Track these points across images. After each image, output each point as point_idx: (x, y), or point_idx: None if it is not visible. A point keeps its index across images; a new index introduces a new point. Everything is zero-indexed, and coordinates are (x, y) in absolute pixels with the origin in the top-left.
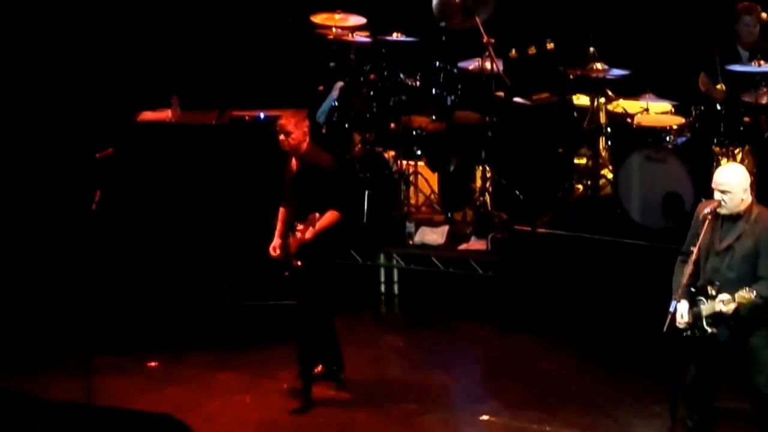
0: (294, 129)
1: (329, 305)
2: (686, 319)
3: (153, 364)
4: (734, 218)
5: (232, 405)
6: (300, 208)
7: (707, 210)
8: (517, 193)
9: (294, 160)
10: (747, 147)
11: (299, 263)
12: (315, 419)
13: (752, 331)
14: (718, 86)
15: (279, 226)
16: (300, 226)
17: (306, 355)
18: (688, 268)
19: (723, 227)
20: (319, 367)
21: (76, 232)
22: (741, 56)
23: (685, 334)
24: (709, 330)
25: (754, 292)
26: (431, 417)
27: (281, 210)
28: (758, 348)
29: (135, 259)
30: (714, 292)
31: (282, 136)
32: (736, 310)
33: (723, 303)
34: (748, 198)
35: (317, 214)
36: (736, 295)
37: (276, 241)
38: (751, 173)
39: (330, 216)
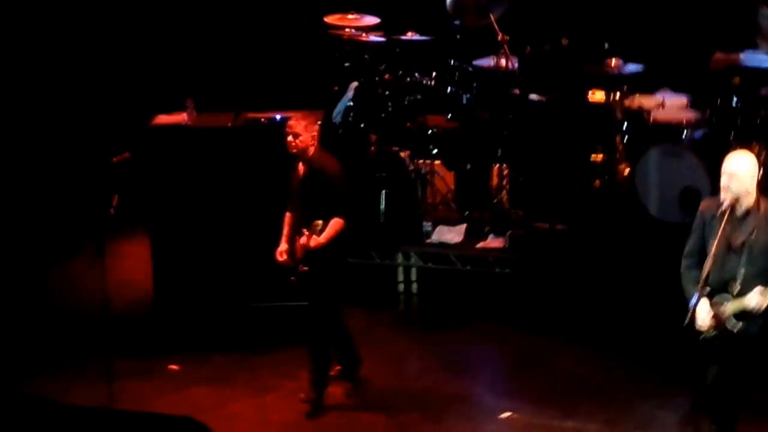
0: (303, 131)
1: (339, 309)
2: (708, 317)
3: (174, 366)
4: (745, 214)
5: (253, 406)
6: (306, 212)
7: (723, 206)
8: (534, 190)
9: (301, 165)
10: (763, 141)
11: (305, 268)
12: (336, 419)
13: None
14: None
15: (285, 230)
16: (306, 232)
17: (316, 360)
18: (709, 263)
19: (735, 224)
20: (335, 368)
21: (94, 234)
22: (760, 48)
23: (703, 336)
24: (737, 328)
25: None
26: (452, 416)
27: (287, 214)
28: None
29: (158, 261)
30: (737, 290)
31: (290, 138)
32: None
33: (760, 293)
34: (754, 190)
35: (321, 222)
36: (758, 290)
37: (282, 245)
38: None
39: (335, 224)
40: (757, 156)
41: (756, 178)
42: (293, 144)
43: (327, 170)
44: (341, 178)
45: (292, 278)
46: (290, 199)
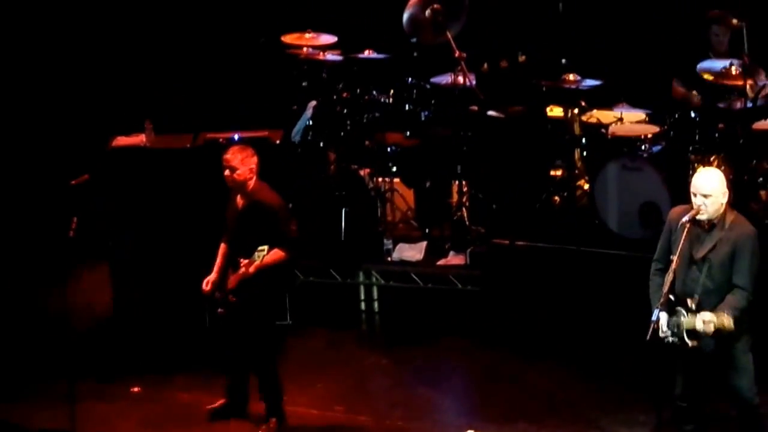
0: (240, 165)
1: (272, 338)
2: (666, 330)
3: (136, 389)
4: (710, 226)
5: (216, 428)
6: (244, 245)
7: (686, 218)
8: (494, 206)
9: (239, 197)
10: (722, 154)
11: (233, 299)
12: None
13: (732, 337)
14: (693, 92)
15: (219, 260)
16: (244, 261)
17: (268, 388)
18: (669, 276)
19: (699, 236)
20: (219, 402)
21: (54, 257)
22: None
23: (666, 341)
24: (690, 344)
25: (732, 321)
26: None
27: (222, 245)
28: (740, 353)
29: (117, 283)
30: (693, 306)
31: (227, 172)
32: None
33: (704, 323)
34: (724, 204)
35: (266, 247)
36: (716, 320)
37: (212, 276)
38: (726, 180)
39: (276, 254)
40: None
41: (726, 194)
42: (231, 178)
43: (268, 203)
44: (284, 211)
45: (219, 310)
46: (225, 231)
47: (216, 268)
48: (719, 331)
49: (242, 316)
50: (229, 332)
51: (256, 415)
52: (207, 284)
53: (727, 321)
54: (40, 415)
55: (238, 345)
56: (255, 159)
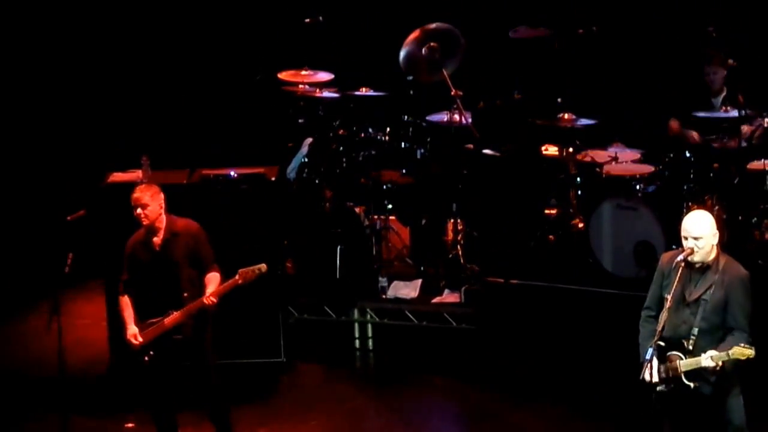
0: (150, 201)
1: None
2: (660, 372)
3: (130, 425)
4: (703, 269)
5: None
6: (173, 281)
7: (679, 258)
8: (489, 245)
9: (153, 238)
10: (716, 194)
11: (179, 336)
12: None
13: (726, 380)
14: (692, 132)
15: (129, 312)
16: (208, 294)
17: (222, 420)
18: (663, 315)
19: (692, 278)
20: None
21: (50, 292)
22: (713, 103)
23: (658, 388)
24: (691, 385)
25: (752, 349)
26: None
27: (124, 298)
28: (732, 396)
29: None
30: (691, 347)
31: (138, 210)
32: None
33: (711, 359)
34: (715, 245)
35: (215, 274)
36: (731, 352)
37: (132, 329)
38: (720, 220)
39: (216, 278)
40: (711, 209)
41: (717, 236)
42: (143, 215)
43: (188, 229)
44: (203, 231)
45: (146, 358)
46: (129, 279)
47: (130, 321)
48: (723, 369)
49: (191, 351)
50: (167, 374)
51: None
52: (135, 338)
53: (747, 350)
54: None
55: (176, 386)
56: (162, 195)
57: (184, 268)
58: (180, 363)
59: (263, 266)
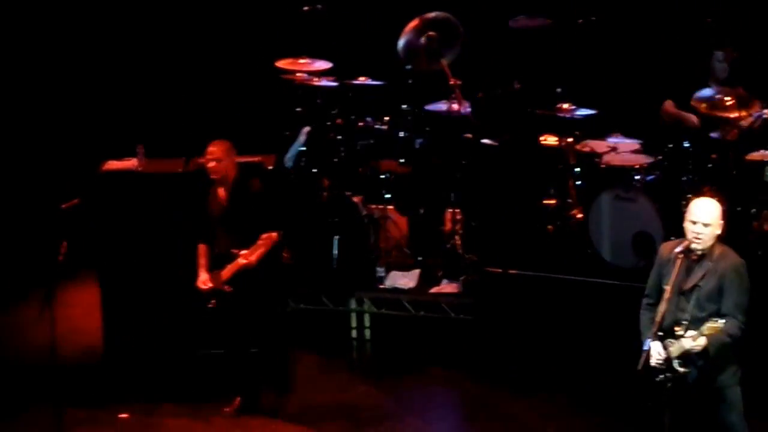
0: (224, 156)
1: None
2: (661, 358)
3: (124, 415)
4: (699, 258)
5: None
6: (237, 234)
7: (679, 248)
8: (488, 234)
9: (221, 191)
10: (715, 185)
11: (229, 288)
12: None
13: (720, 369)
14: (691, 115)
15: (202, 261)
16: (244, 252)
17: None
18: (662, 306)
19: (688, 267)
20: (237, 399)
21: (43, 282)
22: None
23: (657, 378)
24: (681, 370)
25: (720, 321)
26: None
27: (201, 246)
28: (727, 386)
29: (108, 309)
30: (681, 332)
31: (213, 164)
32: (705, 348)
33: (692, 339)
34: (717, 235)
35: (270, 235)
36: (704, 327)
37: (203, 275)
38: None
39: (270, 237)
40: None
41: (720, 227)
42: (215, 169)
43: (253, 188)
44: (267, 193)
45: (210, 304)
46: (204, 230)
47: (202, 269)
48: (706, 351)
49: (243, 304)
50: (229, 325)
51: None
52: (204, 283)
53: (714, 324)
54: None
55: (240, 335)
56: (234, 152)
57: (245, 222)
58: (240, 312)
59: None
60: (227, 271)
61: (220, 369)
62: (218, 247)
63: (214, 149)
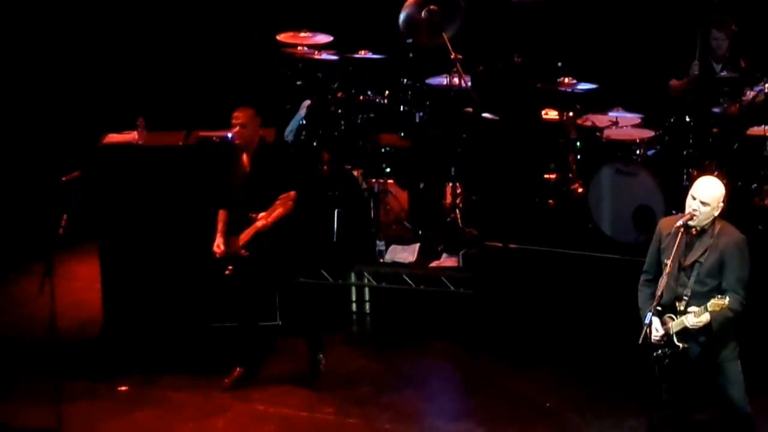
0: (250, 122)
1: (298, 278)
2: (660, 333)
3: (123, 388)
4: (699, 233)
5: (204, 428)
6: (259, 199)
7: (679, 223)
8: (489, 208)
9: (244, 157)
10: (716, 159)
11: (246, 253)
12: None
13: (720, 344)
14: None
15: (220, 227)
16: (262, 214)
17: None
18: (663, 280)
19: (688, 242)
20: (238, 370)
21: (43, 254)
22: (714, 69)
23: (656, 353)
24: (681, 346)
25: (727, 298)
26: None
27: (221, 212)
28: (727, 360)
29: (108, 282)
30: (682, 307)
31: (238, 128)
32: (707, 324)
33: (694, 315)
34: (716, 215)
35: (285, 197)
36: (708, 304)
37: (219, 239)
38: None
39: (287, 197)
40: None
41: (720, 209)
42: (240, 134)
43: (277, 152)
44: (291, 158)
45: (227, 270)
46: (226, 195)
47: (219, 234)
48: (709, 326)
49: (261, 268)
50: (244, 290)
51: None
52: (218, 247)
53: (720, 301)
54: (26, 414)
55: (253, 300)
56: (259, 120)
57: (268, 186)
58: (256, 278)
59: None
60: (245, 235)
61: (223, 341)
62: (237, 213)
63: (240, 114)
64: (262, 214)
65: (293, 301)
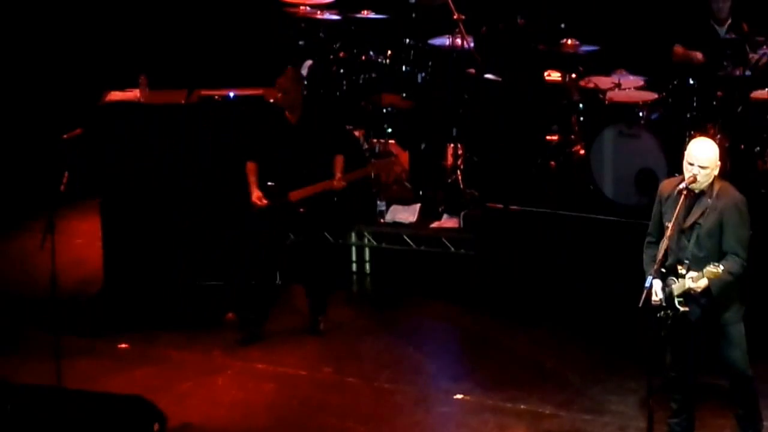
0: (292, 86)
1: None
2: (660, 296)
3: (123, 345)
4: (698, 195)
5: (204, 386)
6: (305, 156)
7: (681, 185)
8: (490, 169)
9: (289, 115)
10: (719, 122)
11: (302, 210)
12: (287, 400)
13: (723, 306)
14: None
15: (254, 179)
16: (338, 176)
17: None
18: (664, 243)
19: (687, 204)
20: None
21: (44, 211)
22: (718, 32)
23: (658, 315)
24: (681, 309)
25: (721, 267)
26: (404, 396)
27: (252, 164)
28: (730, 323)
29: (109, 240)
30: (684, 271)
31: (281, 94)
32: (707, 287)
33: (692, 280)
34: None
35: (341, 158)
36: (704, 271)
37: (256, 192)
38: (723, 149)
39: (342, 160)
40: (714, 137)
41: (719, 166)
42: (284, 98)
43: (325, 113)
44: (336, 117)
45: (301, 209)
46: (257, 148)
47: (254, 186)
48: (708, 290)
49: (310, 227)
50: (272, 246)
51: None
52: (260, 199)
53: (714, 269)
54: (26, 370)
55: (277, 258)
56: (303, 82)
57: (315, 147)
58: (298, 234)
59: (395, 158)
60: (305, 191)
61: (224, 298)
62: (283, 169)
63: (281, 81)
64: (339, 175)
65: (320, 261)
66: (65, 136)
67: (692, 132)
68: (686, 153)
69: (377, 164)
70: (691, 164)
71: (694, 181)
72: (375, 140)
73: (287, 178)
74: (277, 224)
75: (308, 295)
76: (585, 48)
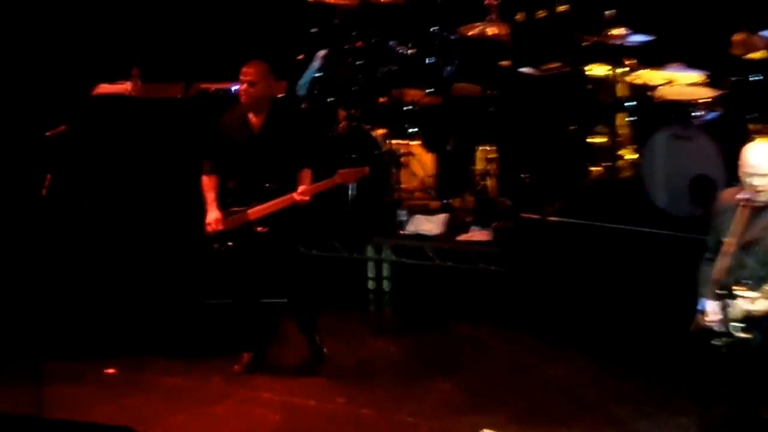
0: (261, 79)
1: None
2: (716, 319)
3: (111, 370)
4: (760, 209)
5: (201, 417)
6: (264, 169)
7: (740, 196)
8: (524, 176)
9: (252, 117)
10: None
11: (263, 229)
12: (299, 422)
13: None
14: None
15: (212, 195)
16: (303, 188)
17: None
18: (721, 262)
19: (751, 219)
20: (247, 356)
21: (24, 222)
22: None
23: (712, 341)
24: (740, 335)
25: None
26: (427, 431)
27: (209, 177)
28: None
29: (91, 251)
30: (743, 292)
31: (245, 86)
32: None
33: (752, 302)
34: None
35: (307, 171)
36: (762, 290)
37: (214, 213)
38: None
39: (309, 174)
40: None
41: None
42: (249, 92)
43: (295, 117)
44: (307, 125)
45: (216, 245)
46: (217, 160)
47: (212, 205)
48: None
49: (275, 246)
50: (246, 266)
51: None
52: (216, 224)
53: None
54: (3, 398)
55: (255, 278)
56: (272, 77)
57: (279, 158)
58: (263, 256)
59: (366, 169)
60: (263, 209)
61: (220, 321)
62: (241, 181)
63: (249, 70)
64: (302, 188)
65: (294, 277)
66: (48, 133)
67: (755, 134)
68: (742, 160)
69: (343, 173)
70: (750, 175)
71: (757, 192)
72: (396, 141)
73: (246, 192)
74: (240, 247)
75: (290, 318)
76: (635, 38)
